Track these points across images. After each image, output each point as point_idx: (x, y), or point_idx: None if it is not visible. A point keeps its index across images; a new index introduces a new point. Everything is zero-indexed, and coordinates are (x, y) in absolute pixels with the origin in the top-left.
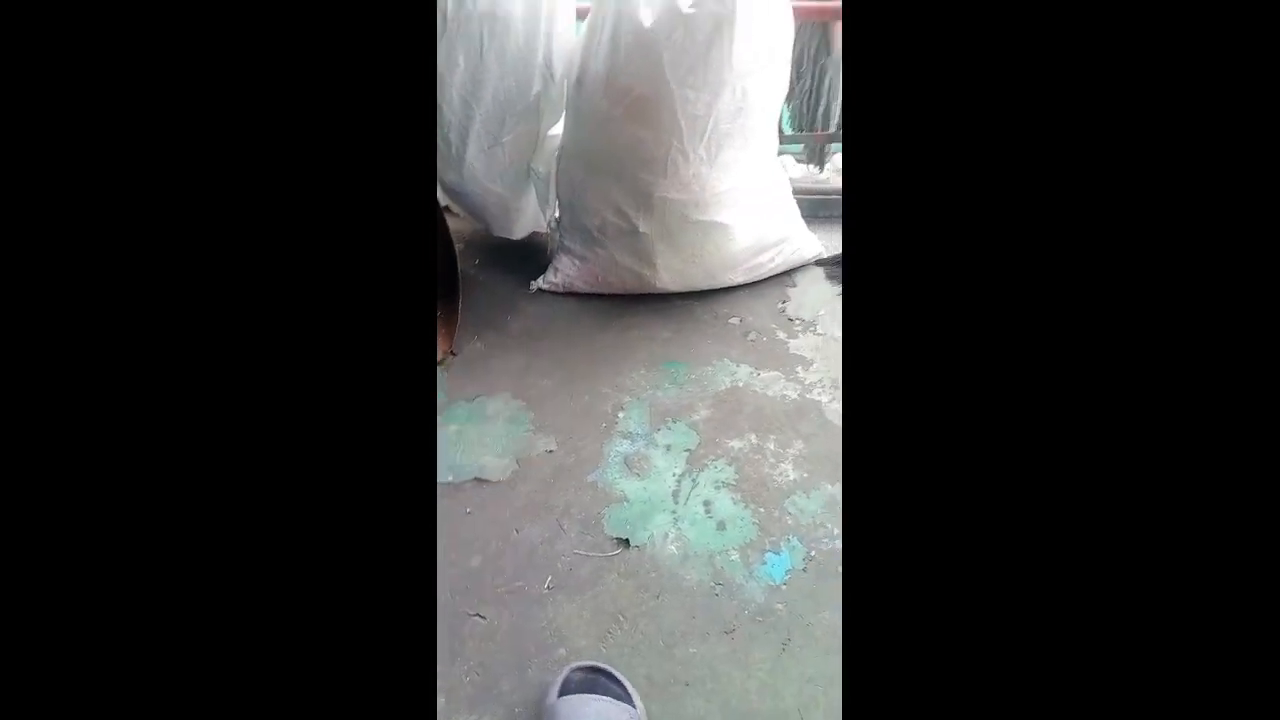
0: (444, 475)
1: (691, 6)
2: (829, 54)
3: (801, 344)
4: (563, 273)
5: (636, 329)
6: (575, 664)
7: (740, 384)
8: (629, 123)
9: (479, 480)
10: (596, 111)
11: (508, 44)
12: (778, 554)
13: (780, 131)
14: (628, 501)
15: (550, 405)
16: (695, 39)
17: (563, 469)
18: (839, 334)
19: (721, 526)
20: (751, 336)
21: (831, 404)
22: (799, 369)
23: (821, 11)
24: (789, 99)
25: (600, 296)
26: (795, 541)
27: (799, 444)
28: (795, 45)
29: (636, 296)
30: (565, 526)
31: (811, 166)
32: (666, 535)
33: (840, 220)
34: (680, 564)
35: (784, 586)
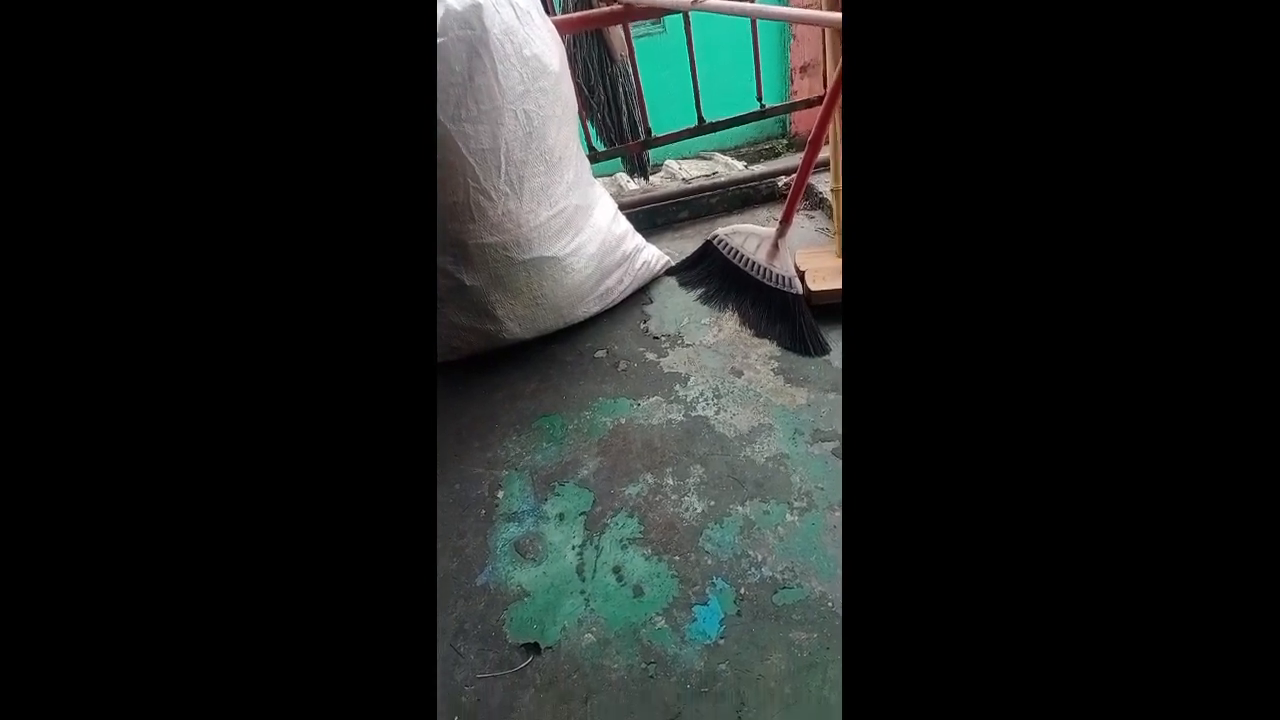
0: None
1: (439, 36)
2: (613, 62)
3: (674, 360)
4: None
5: (498, 390)
6: None
7: (623, 420)
8: None
9: None
10: None
11: None
12: (706, 605)
13: (592, 149)
14: (528, 596)
15: None
16: (454, 69)
17: (446, 578)
18: (708, 340)
19: (638, 592)
20: (622, 366)
21: (719, 415)
22: (677, 387)
23: (587, 20)
24: (590, 115)
25: (450, 365)
26: (721, 583)
27: (698, 469)
28: (576, 59)
29: (490, 355)
30: (461, 649)
31: (635, 177)
32: (580, 622)
33: (678, 223)
34: (602, 653)
35: (721, 641)
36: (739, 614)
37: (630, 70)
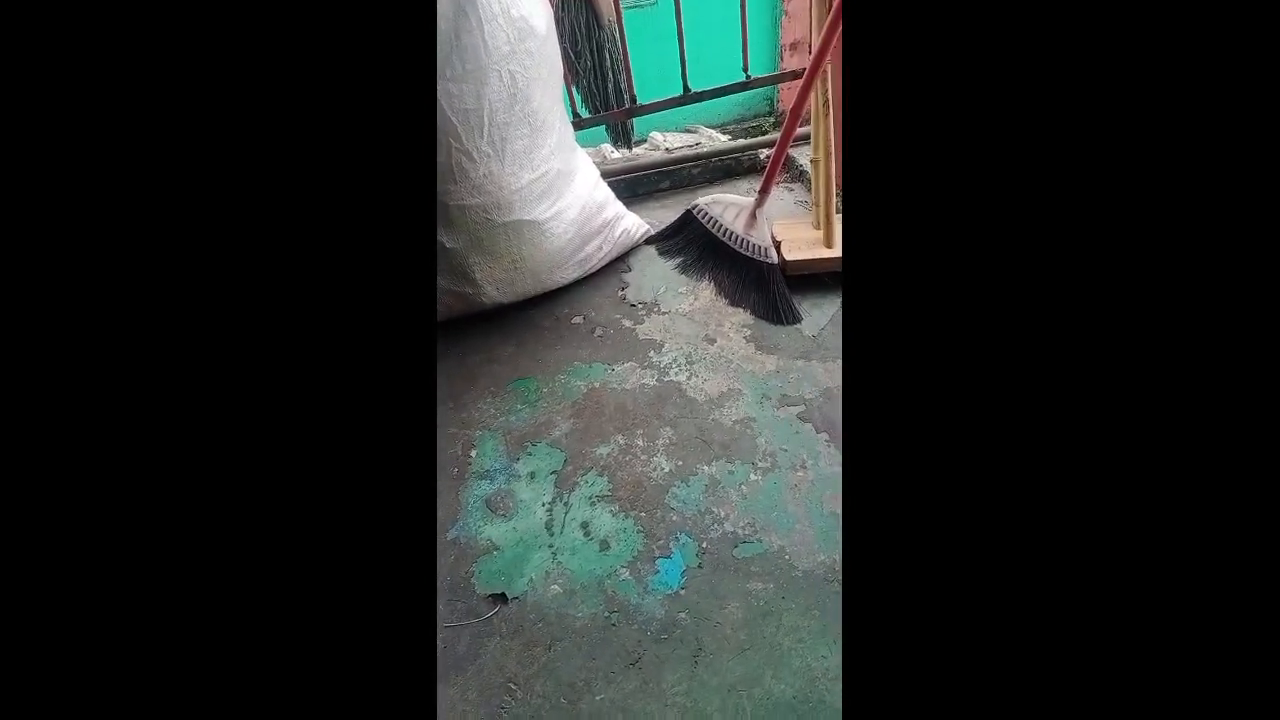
0: None
1: None
2: (600, 27)
3: (650, 327)
4: None
5: (474, 354)
6: None
7: (597, 384)
8: None
9: None
10: None
11: None
12: (669, 558)
13: (576, 116)
14: (497, 550)
15: None
16: (440, 27)
17: None
18: (684, 308)
19: (605, 546)
20: (598, 332)
21: (690, 381)
22: (652, 354)
23: None
24: (576, 80)
25: None
26: (684, 538)
27: (667, 431)
28: (563, 23)
29: (467, 319)
30: None
31: (619, 146)
32: (547, 574)
33: (659, 193)
34: (567, 603)
35: (682, 591)
36: (700, 566)
37: (618, 36)
